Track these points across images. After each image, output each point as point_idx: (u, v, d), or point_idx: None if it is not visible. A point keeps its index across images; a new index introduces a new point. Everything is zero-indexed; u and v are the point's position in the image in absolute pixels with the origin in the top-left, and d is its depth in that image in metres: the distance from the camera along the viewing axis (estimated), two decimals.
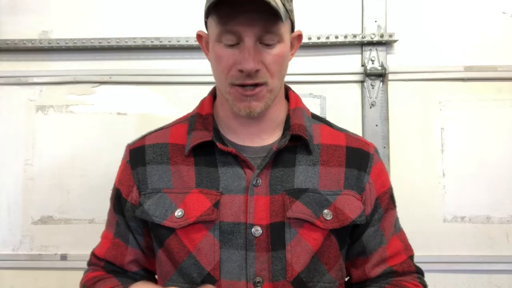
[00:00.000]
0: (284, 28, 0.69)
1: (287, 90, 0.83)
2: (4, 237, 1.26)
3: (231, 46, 0.68)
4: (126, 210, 0.77)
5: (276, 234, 0.69)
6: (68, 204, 1.26)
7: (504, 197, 1.22)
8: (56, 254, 1.24)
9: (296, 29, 0.77)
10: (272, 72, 0.69)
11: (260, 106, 0.70)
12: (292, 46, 0.77)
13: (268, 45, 0.68)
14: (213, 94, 0.82)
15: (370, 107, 1.24)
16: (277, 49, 0.69)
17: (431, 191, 1.23)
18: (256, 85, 0.69)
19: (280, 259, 0.68)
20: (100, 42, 1.25)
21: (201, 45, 0.78)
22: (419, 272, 0.79)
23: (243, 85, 0.69)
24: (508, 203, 1.22)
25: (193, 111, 0.82)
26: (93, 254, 0.82)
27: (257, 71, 0.68)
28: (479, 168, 1.23)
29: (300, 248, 0.69)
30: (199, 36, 0.78)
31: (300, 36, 0.79)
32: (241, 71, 0.67)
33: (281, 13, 0.63)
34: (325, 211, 0.70)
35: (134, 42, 1.25)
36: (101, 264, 0.80)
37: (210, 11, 0.66)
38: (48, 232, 1.25)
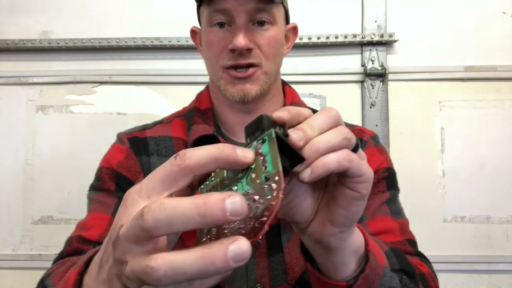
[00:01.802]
0: (277, 11, 0.68)
1: (284, 85, 0.80)
2: (4, 237, 1.26)
3: (222, 26, 0.66)
4: None
5: (273, 238, 0.67)
6: (68, 204, 1.26)
7: (504, 197, 1.22)
8: (56, 254, 1.24)
9: (294, 26, 0.76)
10: (267, 54, 0.67)
11: (254, 89, 0.67)
12: (287, 39, 0.75)
13: (261, 25, 0.66)
14: (209, 89, 0.79)
15: (370, 107, 1.24)
16: (271, 32, 0.67)
17: (431, 191, 1.23)
18: (249, 66, 0.66)
19: (280, 263, 0.66)
20: (100, 42, 1.25)
21: (195, 41, 0.76)
22: (422, 257, 0.69)
23: (235, 67, 0.66)
24: (508, 203, 1.22)
25: (190, 105, 0.79)
26: (78, 238, 0.68)
27: (249, 50, 0.65)
28: (479, 168, 1.23)
29: (298, 249, 0.65)
30: (192, 32, 0.76)
31: (295, 29, 0.76)
32: (232, 50, 0.65)
33: None
34: None
35: (134, 42, 1.25)
36: (89, 248, 0.66)
37: None
38: (48, 232, 1.25)
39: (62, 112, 1.28)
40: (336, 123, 0.37)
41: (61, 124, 1.27)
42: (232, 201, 0.27)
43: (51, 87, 1.28)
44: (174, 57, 1.28)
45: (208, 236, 0.31)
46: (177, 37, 1.25)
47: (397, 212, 0.74)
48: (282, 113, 0.35)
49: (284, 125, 0.35)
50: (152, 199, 0.30)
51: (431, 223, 1.22)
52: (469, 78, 1.24)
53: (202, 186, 0.35)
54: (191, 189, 0.36)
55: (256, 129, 0.35)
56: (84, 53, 1.29)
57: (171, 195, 0.31)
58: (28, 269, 1.25)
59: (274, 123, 0.35)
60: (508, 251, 1.21)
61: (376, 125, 1.23)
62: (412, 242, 0.71)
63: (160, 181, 0.30)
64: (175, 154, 0.30)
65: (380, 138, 1.21)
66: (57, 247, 1.25)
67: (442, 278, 1.27)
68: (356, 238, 0.43)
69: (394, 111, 1.25)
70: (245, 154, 0.31)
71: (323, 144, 0.35)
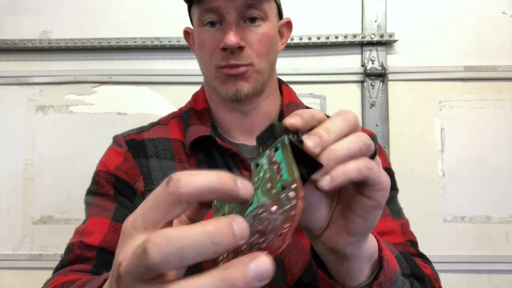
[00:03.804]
0: (269, 7, 0.67)
1: (280, 84, 0.79)
2: (4, 237, 1.26)
3: (213, 25, 0.66)
4: (138, 197, 0.70)
5: None
6: (68, 204, 1.26)
7: (504, 197, 1.22)
8: (56, 254, 1.24)
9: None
10: (258, 52, 0.66)
11: (247, 86, 0.67)
12: (281, 34, 0.74)
13: (252, 22, 0.65)
14: (204, 89, 0.78)
15: (370, 107, 1.24)
16: (263, 28, 0.66)
17: (431, 191, 1.23)
18: (240, 66, 0.66)
19: (278, 266, 0.65)
20: (100, 42, 1.25)
21: (188, 42, 0.76)
22: (424, 258, 0.70)
23: (228, 67, 0.66)
24: (508, 203, 1.22)
25: (186, 106, 0.78)
26: (80, 245, 0.66)
27: (241, 48, 0.65)
28: (479, 168, 1.23)
29: (297, 251, 0.66)
30: (186, 33, 0.76)
31: (289, 24, 0.75)
32: (224, 49, 0.65)
33: None
34: None
35: (134, 42, 1.25)
36: (92, 254, 0.65)
37: None
38: (48, 232, 1.25)
39: (62, 112, 1.28)
40: (354, 127, 0.36)
41: (61, 124, 1.27)
42: (237, 223, 0.25)
43: (51, 87, 1.28)
44: (174, 57, 1.28)
45: (225, 255, 0.29)
46: (177, 37, 1.24)
47: (397, 212, 0.74)
48: (294, 119, 0.33)
49: (297, 132, 0.33)
50: (149, 231, 0.27)
51: (431, 223, 1.22)
52: (469, 78, 1.24)
53: (215, 203, 0.33)
54: (201, 206, 0.34)
55: (269, 138, 0.33)
56: (84, 53, 1.29)
57: (170, 223, 0.28)
58: (28, 269, 1.25)
59: (287, 130, 0.33)
60: (508, 251, 1.21)
61: (376, 125, 1.23)
62: (414, 243, 0.71)
63: (154, 211, 0.27)
64: (167, 178, 0.27)
65: (380, 138, 1.22)
66: (57, 247, 1.25)
67: (442, 278, 1.27)
68: (371, 244, 0.42)
69: (394, 111, 1.25)
70: (247, 190, 0.28)
71: (342, 151, 0.33)
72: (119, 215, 0.68)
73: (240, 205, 0.31)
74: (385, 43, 1.25)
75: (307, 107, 0.79)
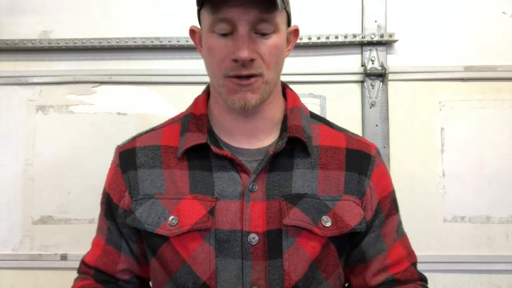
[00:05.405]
0: (280, 18, 0.67)
1: (284, 88, 0.79)
2: (4, 237, 1.26)
3: (225, 36, 0.65)
4: (118, 216, 0.74)
5: (273, 242, 0.66)
6: (68, 204, 1.26)
7: (504, 197, 1.22)
8: (56, 254, 1.24)
9: (295, 29, 0.76)
10: (268, 64, 0.67)
11: (255, 98, 0.67)
12: (288, 41, 0.74)
13: (264, 35, 0.65)
14: (207, 93, 0.79)
15: (370, 107, 1.24)
16: (273, 40, 0.66)
17: (431, 191, 1.23)
18: (251, 76, 0.66)
19: (277, 268, 0.66)
20: (100, 42, 1.25)
21: (194, 41, 0.76)
22: (423, 280, 0.76)
23: (237, 76, 0.66)
24: (508, 203, 1.22)
25: (187, 110, 0.79)
26: (82, 262, 0.78)
27: (252, 60, 0.65)
28: (479, 168, 1.23)
29: (298, 257, 0.66)
30: (192, 32, 0.76)
31: (296, 31, 0.76)
32: (235, 61, 0.65)
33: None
34: (324, 217, 0.68)
35: (134, 42, 1.25)
36: (91, 272, 0.76)
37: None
38: (48, 232, 1.25)
39: (62, 112, 1.28)
40: None
41: (61, 124, 1.27)
42: None
43: (51, 87, 1.28)
44: (174, 57, 1.28)
45: None
46: (177, 37, 1.25)
47: (401, 231, 0.78)
48: None
49: None
50: None
51: (431, 223, 1.22)
52: (469, 78, 1.24)
53: None
54: None
55: None
56: (84, 53, 1.29)
57: None
58: (28, 269, 1.25)
59: None
60: (508, 251, 1.21)
61: (376, 125, 1.23)
62: (415, 263, 0.76)
63: None
64: None
65: (380, 138, 1.22)
66: (57, 247, 1.26)
67: (442, 278, 1.28)
68: None
69: (394, 111, 1.25)
70: None
71: None
72: (109, 238, 0.76)
73: None
74: (385, 43, 1.25)
75: (311, 113, 0.80)
